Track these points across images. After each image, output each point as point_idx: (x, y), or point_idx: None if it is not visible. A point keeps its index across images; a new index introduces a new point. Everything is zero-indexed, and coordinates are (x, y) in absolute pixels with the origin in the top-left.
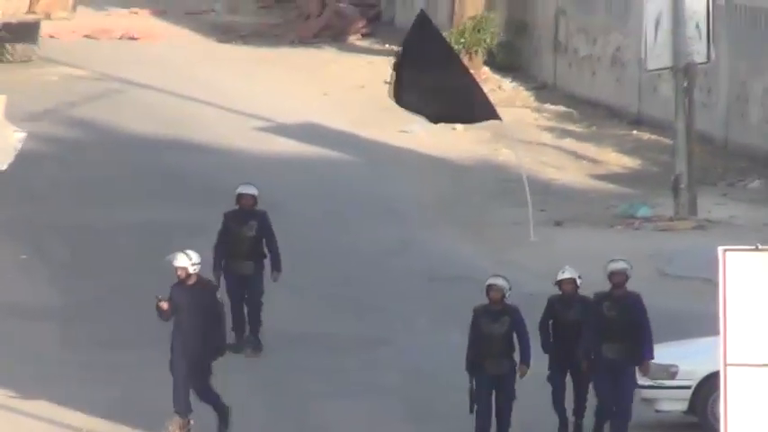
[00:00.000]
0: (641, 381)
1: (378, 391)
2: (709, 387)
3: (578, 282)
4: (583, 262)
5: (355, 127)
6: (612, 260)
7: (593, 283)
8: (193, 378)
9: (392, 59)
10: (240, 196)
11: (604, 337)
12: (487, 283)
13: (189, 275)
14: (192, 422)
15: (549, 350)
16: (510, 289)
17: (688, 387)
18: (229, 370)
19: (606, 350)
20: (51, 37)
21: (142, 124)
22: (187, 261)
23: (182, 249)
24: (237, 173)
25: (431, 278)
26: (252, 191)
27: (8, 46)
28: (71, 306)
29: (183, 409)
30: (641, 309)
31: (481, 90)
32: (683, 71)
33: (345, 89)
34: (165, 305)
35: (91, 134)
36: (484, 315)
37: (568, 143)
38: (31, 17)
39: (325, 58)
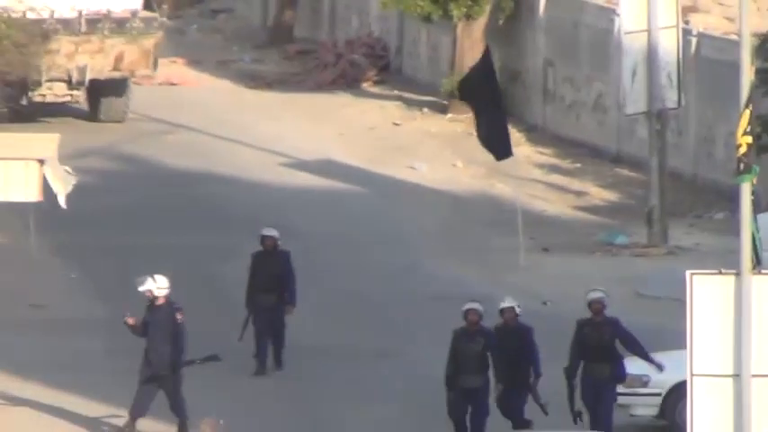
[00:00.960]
0: (618, 388)
1: (386, 398)
2: (677, 395)
3: (517, 310)
4: (567, 283)
5: (367, 163)
6: (591, 290)
7: (577, 302)
8: (159, 385)
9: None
10: (264, 238)
11: (587, 358)
12: (465, 307)
13: (155, 297)
14: (221, 422)
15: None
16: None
17: (659, 394)
18: (253, 378)
19: (589, 371)
20: None
21: (180, 160)
22: (153, 284)
23: (152, 275)
24: (264, 203)
25: (433, 298)
26: (273, 233)
27: (103, 102)
28: (116, 319)
29: (137, 414)
30: (622, 330)
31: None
32: (657, 115)
33: (358, 130)
34: (130, 321)
35: (135, 168)
36: (462, 336)
37: (555, 178)
38: (117, 74)
39: (340, 102)
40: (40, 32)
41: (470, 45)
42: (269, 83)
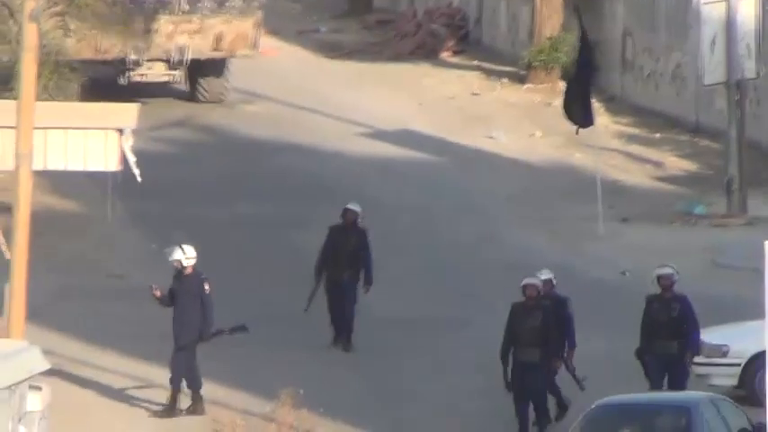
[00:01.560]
0: (697, 359)
1: (463, 369)
2: (756, 365)
3: (542, 286)
4: (646, 253)
5: (446, 133)
6: (660, 265)
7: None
8: (185, 355)
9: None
10: (345, 211)
11: (655, 335)
12: (523, 283)
13: (184, 267)
14: (301, 391)
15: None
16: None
17: (738, 365)
18: (332, 348)
19: (658, 347)
20: None
21: (258, 130)
22: (181, 255)
23: (181, 244)
24: (343, 173)
25: (511, 267)
26: (356, 208)
27: (202, 83)
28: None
29: (176, 382)
30: (689, 308)
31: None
32: (736, 85)
33: (437, 100)
34: (157, 293)
35: (212, 138)
36: (520, 310)
37: (634, 148)
38: (217, 54)
39: (419, 72)
40: (141, 12)
41: (549, 14)
42: (348, 53)
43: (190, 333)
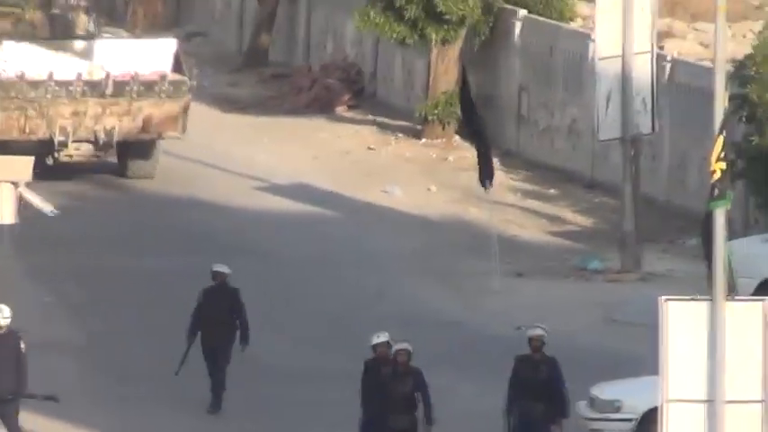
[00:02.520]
0: (590, 414)
1: (346, 423)
2: (650, 420)
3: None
4: (541, 309)
5: (341, 187)
6: (532, 326)
7: (551, 330)
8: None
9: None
10: (215, 274)
11: (522, 395)
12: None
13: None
14: None
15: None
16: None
17: (631, 420)
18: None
19: (524, 407)
20: None
21: (155, 184)
22: None
23: None
24: (238, 227)
25: (407, 321)
26: (224, 269)
27: (131, 163)
28: (89, 342)
29: None
30: (557, 370)
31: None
32: (631, 141)
33: (333, 154)
34: None
35: (109, 192)
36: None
37: (529, 203)
38: (145, 136)
39: (315, 126)
40: (67, 94)
41: (445, 69)
42: (244, 106)
43: (5, 391)
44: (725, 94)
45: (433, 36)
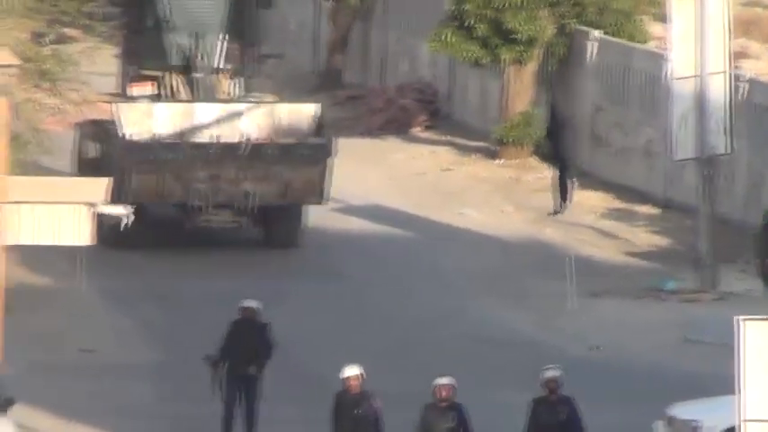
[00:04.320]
0: None
1: None
2: None
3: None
4: (616, 329)
5: (417, 209)
6: (546, 368)
7: (626, 348)
8: None
9: None
10: (243, 309)
11: None
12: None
13: None
14: None
15: None
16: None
17: None
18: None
19: None
20: None
21: None
22: None
23: None
24: (315, 248)
25: (483, 341)
26: (253, 304)
27: (271, 230)
28: (165, 365)
29: None
30: (575, 410)
31: None
32: (707, 161)
33: (408, 175)
34: None
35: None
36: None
37: (605, 223)
38: (284, 201)
39: (390, 147)
40: (203, 157)
41: (519, 90)
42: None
43: None
44: None
45: (506, 56)
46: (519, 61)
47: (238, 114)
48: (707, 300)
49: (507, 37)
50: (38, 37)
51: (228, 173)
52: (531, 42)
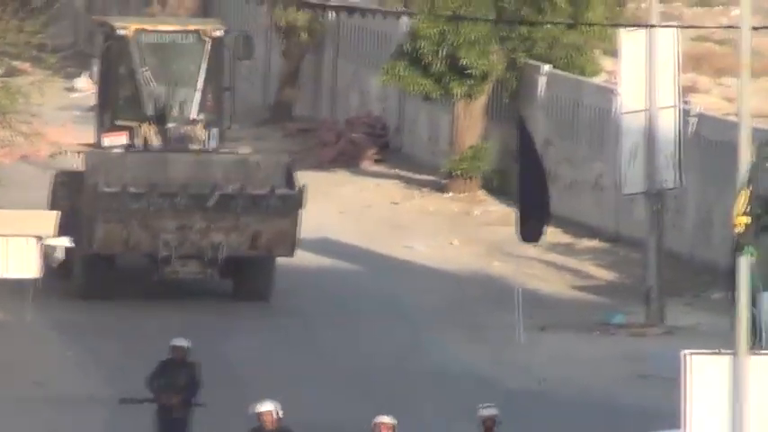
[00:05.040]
0: None
1: None
2: None
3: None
4: (565, 363)
5: (365, 242)
6: (483, 406)
7: (574, 381)
8: None
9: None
10: (173, 348)
11: None
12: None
13: None
14: None
15: None
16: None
17: None
18: None
19: None
20: None
21: None
22: None
23: None
24: None
25: (432, 374)
26: (183, 343)
27: (240, 283)
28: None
29: None
30: None
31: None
32: (656, 195)
33: (357, 208)
34: None
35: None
36: None
37: (553, 257)
38: (254, 253)
39: (339, 180)
40: (170, 207)
41: (469, 124)
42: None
43: None
44: (750, 149)
45: (457, 90)
46: (469, 95)
47: (209, 165)
48: (655, 333)
49: (460, 72)
50: None
51: (197, 223)
52: (483, 77)
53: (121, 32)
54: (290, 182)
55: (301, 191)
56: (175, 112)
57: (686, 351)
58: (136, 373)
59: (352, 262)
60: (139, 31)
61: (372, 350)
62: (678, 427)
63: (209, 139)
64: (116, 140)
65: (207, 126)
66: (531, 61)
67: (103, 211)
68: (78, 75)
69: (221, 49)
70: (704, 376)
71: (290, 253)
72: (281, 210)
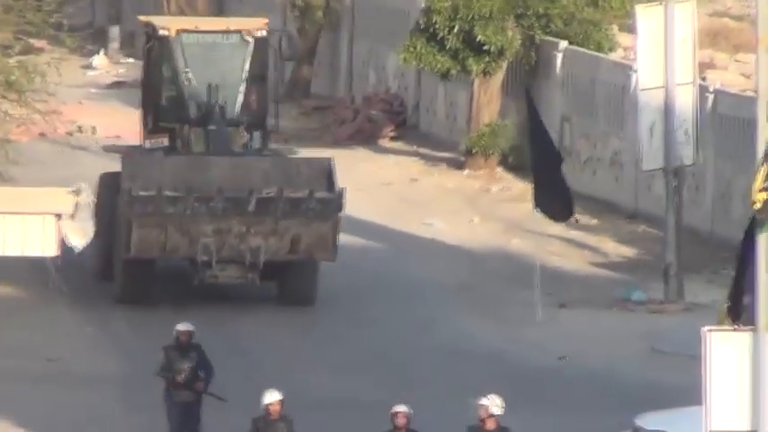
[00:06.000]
0: None
1: None
2: None
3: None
4: (584, 339)
5: (384, 219)
6: (483, 397)
7: (594, 361)
8: None
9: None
10: (179, 333)
11: None
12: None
13: None
14: None
15: None
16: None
17: None
18: None
19: None
20: (117, 137)
21: None
22: None
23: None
24: None
25: (451, 352)
26: (189, 327)
27: (284, 287)
28: (132, 375)
29: None
30: None
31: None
32: (674, 172)
33: (376, 186)
34: None
35: None
36: None
37: (572, 234)
38: (293, 257)
39: (357, 158)
40: (208, 211)
41: (487, 101)
42: (286, 138)
43: None
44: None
45: (474, 67)
46: (486, 72)
47: (247, 168)
48: (674, 310)
49: (477, 49)
50: (4, 48)
51: (235, 227)
52: (500, 54)
53: (163, 33)
54: (330, 184)
55: (341, 194)
56: (217, 113)
57: (706, 327)
58: (153, 352)
59: (371, 239)
60: (181, 32)
61: (390, 327)
62: (698, 403)
63: (251, 141)
64: (156, 143)
65: (250, 128)
66: (548, 38)
67: (138, 214)
68: (95, 53)
69: (264, 48)
70: (724, 352)
71: (332, 257)
72: (320, 213)
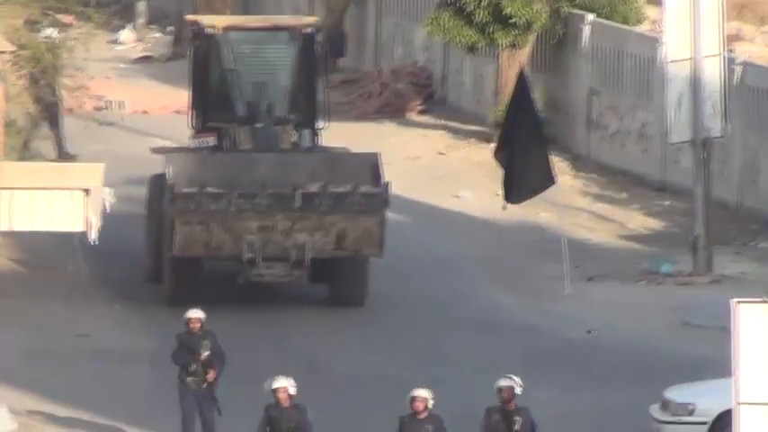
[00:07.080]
0: (663, 417)
1: None
2: (723, 423)
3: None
4: (612, 312)
5: (412, 192)
6: (502, 377)
7: (622, 334)
8: None
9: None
10: (189, 320)
11: None
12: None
13: None
14: None
15: None
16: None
17: (704, 423)
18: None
19: None
20: (144, 112)
21: None
22: None
23: None
24: None
25: (479, 326)
26: (199, 315)
27: (333, 285)
28: (160, 351)
29: None
30: (530, 421)
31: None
32: (702, 144)
33: (403, 159)
34: None
35: None
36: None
37: (600, 207)
38: (340, 253)
39: (385, 131)
40: (252, 207)
41: (514, 74)
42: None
43: None
44: None
45: (502, 41)
46: (513, 45)
47: (292, 164)
48: (702, 283)
49: (504, 22)
50: (32, 24)
51: (279, 223)
52: (527, 26)
53: (210, 31)
54: (376, 179)
55: (386, 188)
56: (265, 111)
57: (735, 300)
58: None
59: (400, 212)
60: (228, 29)
61: (418, 299)
62: (726, 375)
63: (300, 139)
64: (203, 142)
65: (298, 126)
66: (575, 11)
67: (181, 211)
68: (122, 28)
69: (313, 46)
70: (753, 324)
71: (379, 253)
72: (366, 208)
